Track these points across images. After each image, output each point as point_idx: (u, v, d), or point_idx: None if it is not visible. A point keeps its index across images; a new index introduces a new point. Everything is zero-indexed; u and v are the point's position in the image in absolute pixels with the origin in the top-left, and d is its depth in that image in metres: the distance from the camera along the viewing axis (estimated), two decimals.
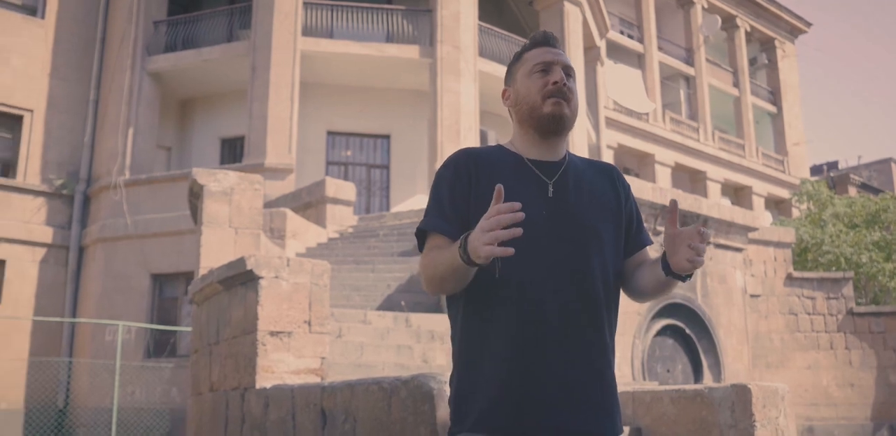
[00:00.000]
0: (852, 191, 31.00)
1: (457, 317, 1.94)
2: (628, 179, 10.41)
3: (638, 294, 2.02)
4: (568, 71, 1.98)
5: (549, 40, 2.04)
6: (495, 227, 1.60)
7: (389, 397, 3.79)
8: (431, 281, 1.85)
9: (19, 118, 16.12)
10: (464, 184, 1.92)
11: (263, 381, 5.02)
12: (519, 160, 1.96)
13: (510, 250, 1.60)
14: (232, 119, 16.56)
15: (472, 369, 1.85)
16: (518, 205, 1.61)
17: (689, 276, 1.82)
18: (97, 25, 17.12)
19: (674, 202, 1.77)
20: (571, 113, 1.96)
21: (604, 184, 2.02)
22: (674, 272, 1.81)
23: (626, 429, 4.37)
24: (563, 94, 1.94)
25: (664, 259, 1.83)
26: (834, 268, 16.05)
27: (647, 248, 2.08)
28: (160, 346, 14.32)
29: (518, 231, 1.60)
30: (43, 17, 16.71)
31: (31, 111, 16.16)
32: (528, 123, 1.98)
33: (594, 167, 2.06)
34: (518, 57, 2.06)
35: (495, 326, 1.83)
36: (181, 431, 11.82)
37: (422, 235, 1.93)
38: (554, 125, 1.95)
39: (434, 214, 1.92)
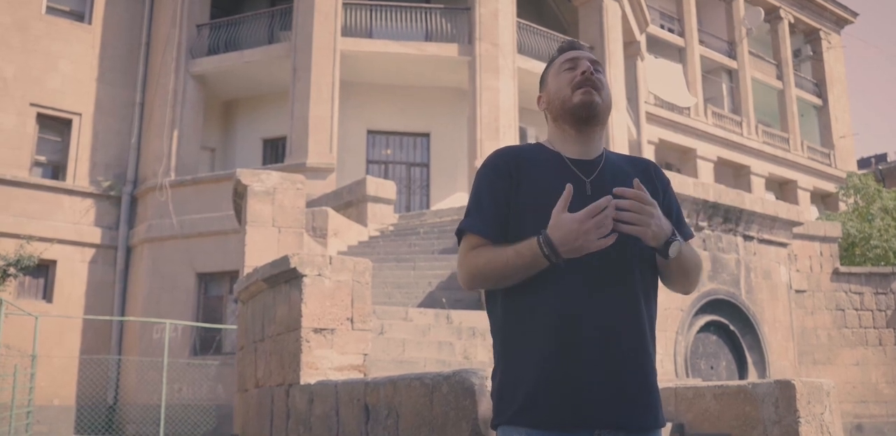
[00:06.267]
0: None
1: (497, 313, 1.97)
2: (669, 174, 10.20)
3: (669, 284, 2.06)
4: (595, 65, 2.04)
5: (575, 46, 2.12)
6: (602, 222, 1.75)
7: (431, 392, 3.84)
8: (483, 279, 1.92)
9: (68, 122, 16.52)
10: (504, 182, 1.96)
11: (308, 377, 5.10)
12: (558, 158, 2.00)
13: (611, 239, 1.77)
14: (274, 120, 16.77)
15: (514, 363, 1.89)
16: (609, 197, 1.77)
17: (666, 247, 1.86)
18: (142, 30, 17.46)
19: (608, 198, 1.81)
20: (603, 101, 2.00)
21: (641, 179, 2.04)
22: (655, 249, 1.88)
23: (669, 425, 4.36)
24: (592, 83, 1.99)
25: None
26: (882, 263, 15.74)
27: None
28: (206, 343, 14.58)
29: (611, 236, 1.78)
30: (90, 22, 17.09)
31: (80, 115, 16.55)
32: (562, 118, 2.02)
33: (631, 163, 2.10)
34: (548, 65, 2.14)
35: (537, 321, 1.86)
36: (227, 427, 12.02)
37: (461, 233, 1.99)
38: (586, 112, 1.98)
39: (474, 215, 1.97)
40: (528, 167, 1.98)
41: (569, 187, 1.77)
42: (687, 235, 2.09)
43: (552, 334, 1.83)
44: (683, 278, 2.00)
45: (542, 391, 1.81)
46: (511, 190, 1.95)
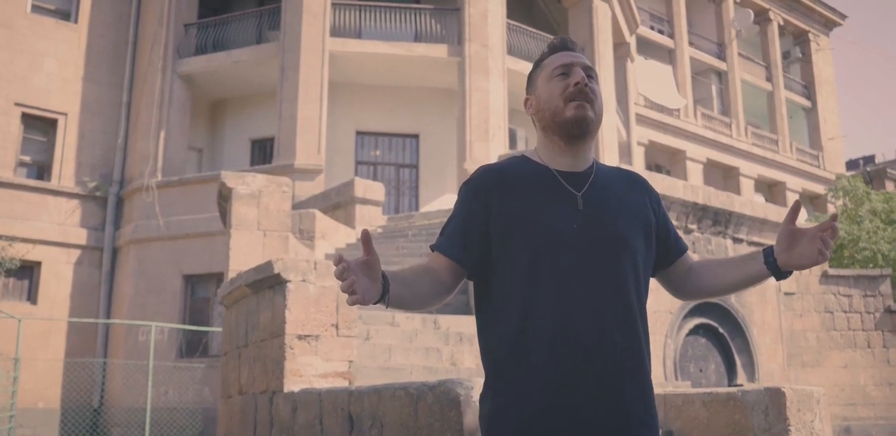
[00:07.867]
0: (889, 186, 30.42)
1: (489, 332, 1.88)
2: (659, 176, 10.21)
3: (699, 294, 2.07)
4: (589, 72, 1.94)
5: (568, 45, 2.00)
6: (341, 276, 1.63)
7: (416, 402, 3.77)
8: None
9: (54, 122, 16.36)
10: (480, 204, 1.89)
11: (291, 384, 5.02)
12: (546, 172, 1.92)
13: (350, 301, 1.64)
14: (262, 120, 16.66)
15: (507, 386, 1.80)
16: (340, 257, 1.63)
17: (789, 274, 1.88)
18: (129, 29, 17.31)
19: (798, 202, 1.84)
20: (595, 115, 1.91)
21: (632, 193, 1.98)
22: (780, 269, 1.87)
23: (659, 432, 4.30)
24: (585, 95, 1.89)
25: (768, 256, 1.88)
26: (871, 265, 15.76)
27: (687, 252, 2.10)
28: (192, 346, 14.45)
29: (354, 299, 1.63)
30: (76, 21, 16.93)
31: (66, 115, 16.39)
32: (551, 129, 1.93)
33: (622, 176, 2.03)
34: (538, 64, 2.03)
35: (531, 342, 1.78)
36: (213, 430, 11.91)
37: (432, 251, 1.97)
38: (578, 129, 1.90)
39: (445, 234, 1.94)
40: (513, 184, 1.90)
41: (364, 231, 1.67)
42: (684, 249, 2.06)
43: (550, 358, 1.76)
44: (735, 291, 2.04)
45: (540, 416, 1.74)
46: (487, 212, 1.88)
